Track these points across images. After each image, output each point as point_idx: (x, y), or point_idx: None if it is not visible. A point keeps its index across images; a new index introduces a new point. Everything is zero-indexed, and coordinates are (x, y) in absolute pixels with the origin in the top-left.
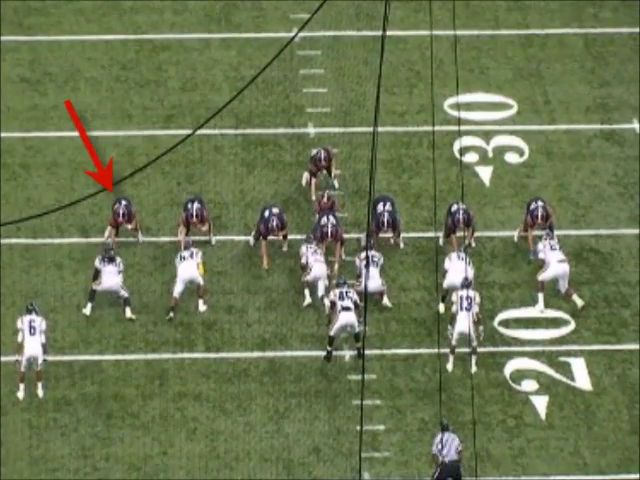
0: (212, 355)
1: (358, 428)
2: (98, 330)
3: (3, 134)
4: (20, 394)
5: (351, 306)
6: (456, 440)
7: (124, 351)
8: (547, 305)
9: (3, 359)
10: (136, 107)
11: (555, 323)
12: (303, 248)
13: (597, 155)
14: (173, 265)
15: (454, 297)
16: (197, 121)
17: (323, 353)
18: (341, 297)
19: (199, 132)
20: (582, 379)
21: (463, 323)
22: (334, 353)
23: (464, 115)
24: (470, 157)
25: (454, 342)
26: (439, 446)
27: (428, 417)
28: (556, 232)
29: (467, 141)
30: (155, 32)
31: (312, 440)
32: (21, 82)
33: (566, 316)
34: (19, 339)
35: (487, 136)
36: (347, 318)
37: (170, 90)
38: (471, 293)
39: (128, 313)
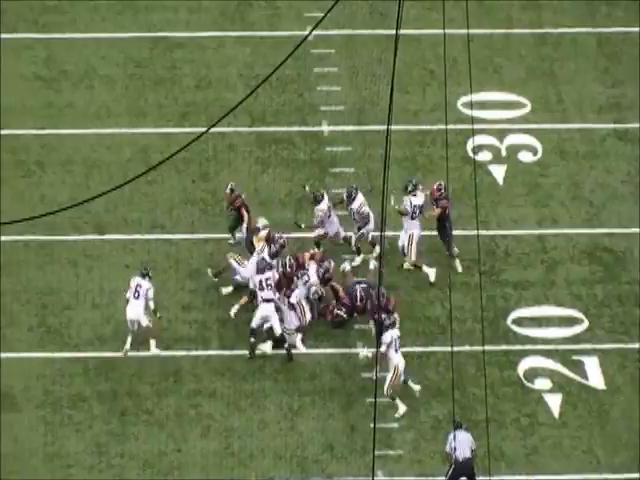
0: (226, 352)
1: (372, 426)
2: (113, 327)
3: (18, 131)
4: (126, 346)
5: (272, 297)
6: (469, 438)
7: (139, 348)
8: (561, 304)
9: (19, 355)
10: (151, 105)
11: (568, 322)
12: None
13: (610, 154)
14: (188, 263)
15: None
16: (211, 119)
17: (338, 351)
18: (261, 287)
19: (213, 130)
20: (595, 378)
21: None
22: (350, 350)
23: (477, 114)
24: (483, 156)
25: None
26: (452, 444)
27: (442, 415)
28: (570, 231)
29: (480, 140)
30: (170, 30)
31: (326, 438)
32: (36, 80)
33: (580, 315)
34: (127, 296)
35: (500, 135)
36: (267, 310)
37: (184, 88)
38: None
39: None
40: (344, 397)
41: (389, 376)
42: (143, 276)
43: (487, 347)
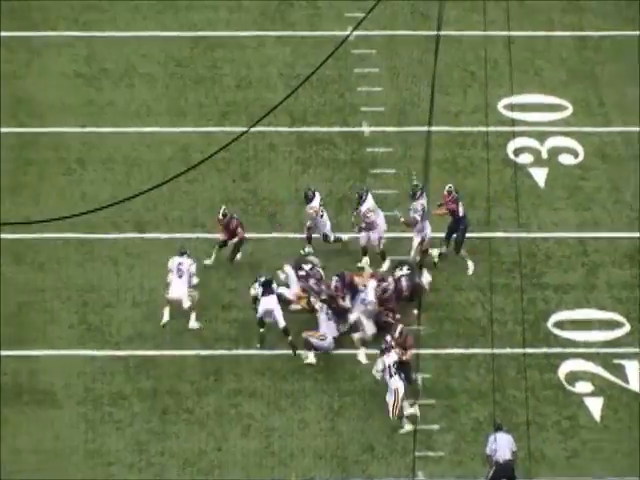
0: (267, 352)
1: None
2: (154, 325)
3: (59, 129)
4: (164, 319)
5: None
6: (510, 440)
7: (180, 347)
8: (602, 307)
9: (60, 352)
10: (191, 104)
11: (609, 325)
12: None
13: None
14: (227, 262)
15: None
16: (252, 119)
17: (378, 352)
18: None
19: (254, 130)
20: (636, 381)
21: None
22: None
23: (518, 116)
24: (524, 158)
25: None
26: (493, 446)
27: (482, 417)
28: (611, 234)
29: (521, 142)
30: (210, 29)
31: (366, 438)
32: (77, 77)
33: (621, 318)
34: (167, 280)
35: (541, 137)
36: (268, 303)
37: (225, 87)
38: None
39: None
40: (384, 398)
41: (391, 401)
42: (182, 254)
43: (528, 350)
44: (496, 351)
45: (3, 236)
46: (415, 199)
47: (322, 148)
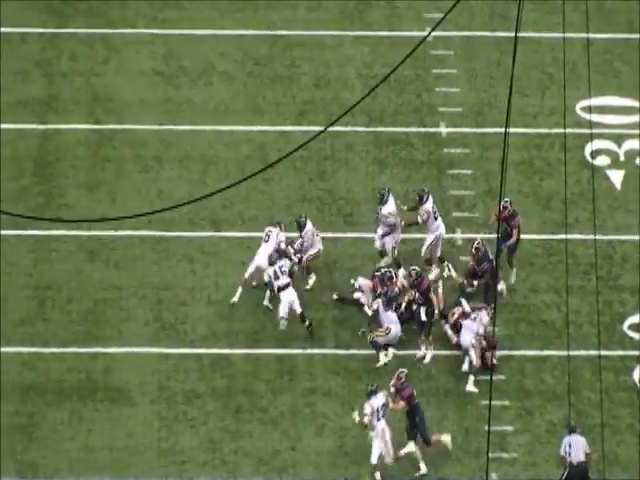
0: (342, 352)
1: (486, 428)
2: (228, 324)
3: (137, 126)
4: (234, 298)
5: (288, 282)
6: (584, 442)
7: (254, 345)
8: None
9: (135, 350)
10: (269, 102)
11: None
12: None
13: None
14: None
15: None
16: (329, 118)
17: (453, 353)
18: (276, 276)
19: (331, 129)
20: None
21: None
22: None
23: (596, 118)
24: (601, 160)
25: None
26: (567, 448)
27: (557, 419)
28: None
29: (599, 144)
30: (289, 28)
31: None
32: (155, 75)
33: None
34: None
35: (619, 140)
36: (289, 295)
37: (303, 86)
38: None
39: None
40: (459, 398)
41: (382, 448)
42: (274, 225)
43: (603, 352)
44: (571, 353)
45: (80, 233)
46: (422, 203)
47: (399, 148)
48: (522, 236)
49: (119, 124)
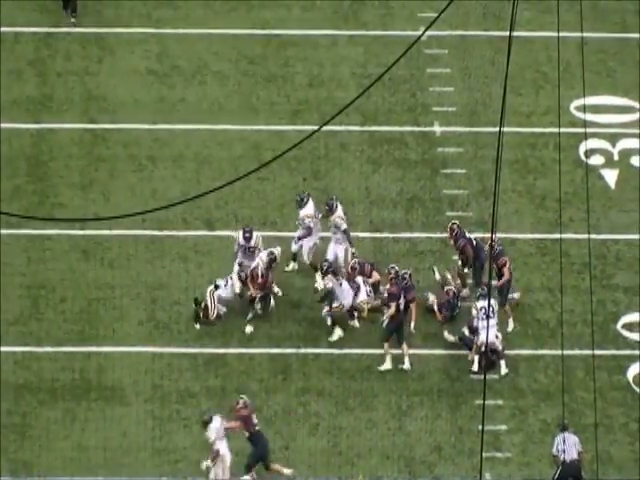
0: (336, 351)
1: (480, 428)
2: (222, 324)
3: (130, 125)
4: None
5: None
6: (576, 440)
7: (248, 345)
8: None
9: (129, 349)
10: (263, 102)
11: None
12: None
13: None
14: (298, 261)
15: (474, 310)
16: (323, 117)
17: (447, 352)
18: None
19: (325, 128)
20: None
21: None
22: (459, 352)
23: (590, 117)
24: (596, 160)
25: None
26: (559, 446)
27: (550, 419)
28: None
29: (593, 144)
30: (283, 28)
31: (434, 438)
32: (149, 74)
33: None
34: None
35: (613, 139)
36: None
37: (297, 86)
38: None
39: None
40: (452, 398)
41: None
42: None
43: (597, 351)
44: (565, 352)
45: (74, 232)
46: (301, 208)
47: (393, 147)
48: (517, 235)
49: (113, 123)
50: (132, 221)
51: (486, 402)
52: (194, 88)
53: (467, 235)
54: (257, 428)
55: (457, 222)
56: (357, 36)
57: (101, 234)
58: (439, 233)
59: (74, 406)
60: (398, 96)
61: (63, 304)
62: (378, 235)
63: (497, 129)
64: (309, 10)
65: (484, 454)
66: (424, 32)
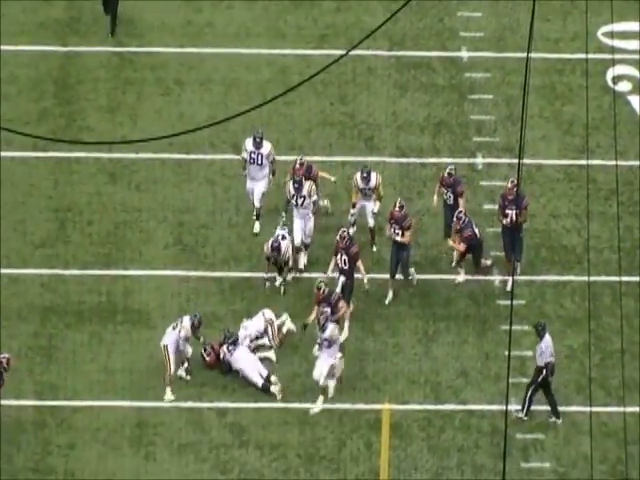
0: (362, 276)
1: (506, 353)
2: (248, 247)
3: (158, 49)
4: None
5: None
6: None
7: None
8: None
9: (155, 273)
10: (290, 26)
11: None
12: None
13: None
14: (324, 185)
15: None
16: (351, 42)
17: (474, 277)
18: None
19: (352, 53)
20: None
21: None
22: (486, 277)
23: (618, 44)
24: (623, 86)
25: None
26: (550, 349)
27: (576, 345)
28: None
29: (620, 70)
30: None
31: (460, 364)
32: None
33: None
34: None
35: None
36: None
37: (324, 10)
38: None
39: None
40: (479, 324)
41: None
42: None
43: (623, 277)
44: (592, 278)
45: (100, 155)
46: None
47: (420, 72)
48: (544, 161)
49: (141, 47)
50: (159, 144)
51: (512, 328)
52: (221, 12)
53: (474, 226)
54: None
55: (464, 212)
56: None
57: (128, 157)
58: (466, 158)
59: (100, 329)
60: (426, 21)
61: (90, 227)
62: (405, 160)
63: (524, 55)
64: None
65: (510, 380)
66: None
